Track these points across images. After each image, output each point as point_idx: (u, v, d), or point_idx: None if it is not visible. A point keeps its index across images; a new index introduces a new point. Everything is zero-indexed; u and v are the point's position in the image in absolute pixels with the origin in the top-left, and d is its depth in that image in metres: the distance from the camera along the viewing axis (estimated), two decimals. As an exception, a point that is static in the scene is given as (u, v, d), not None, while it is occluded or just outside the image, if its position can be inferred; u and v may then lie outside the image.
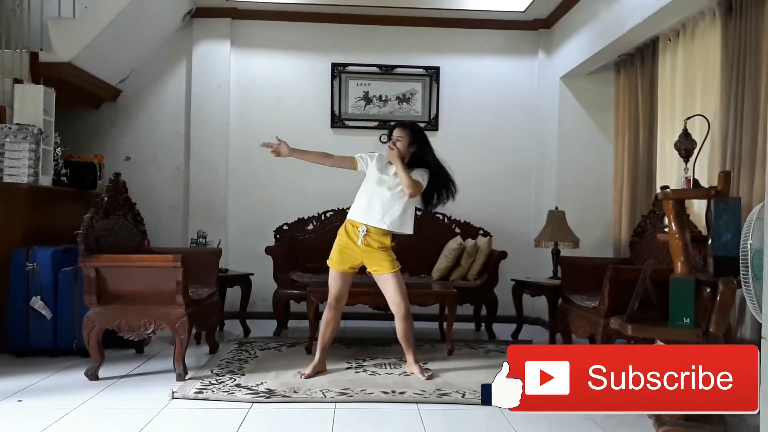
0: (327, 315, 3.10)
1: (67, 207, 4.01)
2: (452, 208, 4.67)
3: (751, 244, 2.21)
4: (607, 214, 4.74)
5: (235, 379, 2.95)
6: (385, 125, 4.99)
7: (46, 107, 3.85)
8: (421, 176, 3.03)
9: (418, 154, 3.07)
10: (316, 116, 5.05)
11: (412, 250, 4.50)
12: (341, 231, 3.09)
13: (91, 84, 4.51)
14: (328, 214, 4.77)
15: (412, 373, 3.08)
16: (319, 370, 3.06)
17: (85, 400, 2.64)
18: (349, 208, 4.72)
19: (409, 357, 3.12)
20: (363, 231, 2.99)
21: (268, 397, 2.67)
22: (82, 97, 4.69)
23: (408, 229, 3.07)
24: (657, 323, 2.63)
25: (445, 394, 2.77)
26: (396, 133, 3.09)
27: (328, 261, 3.11)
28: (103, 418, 2.47)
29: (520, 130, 5.15)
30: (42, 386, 2.86)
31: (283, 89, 5.07)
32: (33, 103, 3.75)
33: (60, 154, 4.17)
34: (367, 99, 5.07)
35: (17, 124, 3.66)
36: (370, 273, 3.10)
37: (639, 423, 2.48)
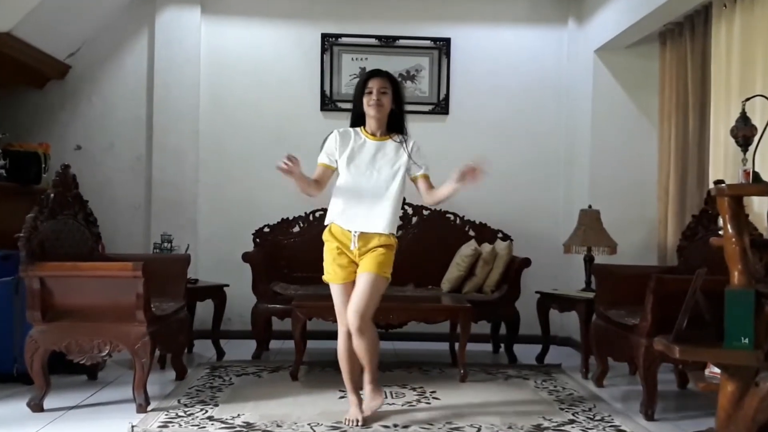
0: (345, 346, 3.11)
1: (6, 205, 4.18)
2: (465, 207, 5.06)
3: (822, 249, 2.31)
4: (651, 214, 5.03)
5: (206, 411, 3.11)
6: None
7: (-19, 86, 3.91)
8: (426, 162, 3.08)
9: (397, 112, 3.10)
10: (303, 97, 5.39)
11: (419, 257, 4.99)
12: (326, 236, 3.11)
13: (34, 58, 4.72)
14: (317, 214, 5.05)
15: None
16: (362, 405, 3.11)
17: (29, 436, 2.70)
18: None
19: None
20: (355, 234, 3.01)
21: (247, 432, 2.79)
22: (24, 74, 4.92)
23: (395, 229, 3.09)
24: (710, 344, 2.67)
25: (456, 429, 2.88)
26: (378, 83, 3.05)
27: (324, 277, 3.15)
28: (49, 458, 2.63)
29: (546, 114, 5.52)
30: (-25, 419, 3.01)
31: (265, 65, 5.41)
32: (-35, 81, 3.88)
33: (-3, 142, 4.26)
34: (364, 76, 4.89)
35: (-54, 105, 3.76)
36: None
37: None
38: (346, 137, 3.05)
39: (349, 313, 2.92)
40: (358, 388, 3.08)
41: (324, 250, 3.05)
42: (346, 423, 2.93)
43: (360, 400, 3.03)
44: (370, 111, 3.00)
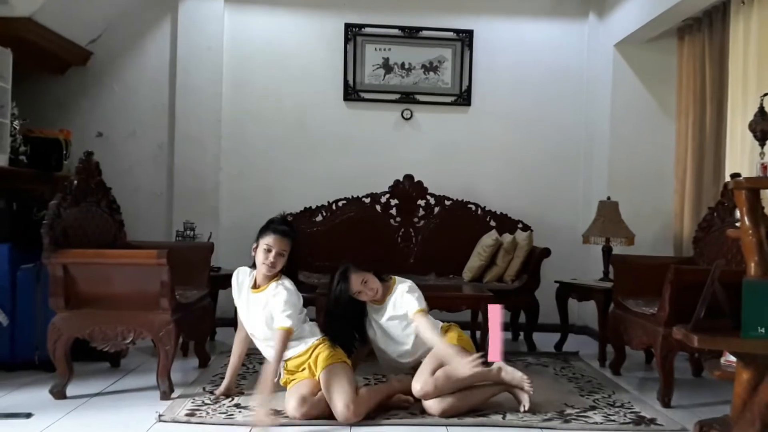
0: None
1: (29, 192, 4.30)
2: (487, 197, 5.26)
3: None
4: (667, 206, 5.20)
5: (233, 398, 3.18)
6: (409, 98, 5.58)
7: (2, 71, 4.21)
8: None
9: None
10: (326, 86, 5.51)
11: (441, 247, 5.19)
12: None
13: (55, 44, 4.83)
14: (339, 203, 5.20)
15: None
16: None
17: (50, 424, 2.82)
18: (364, 197, 5.21)
19: None
20: None
21: (276, 421, 2.91)
22: (45, 61, 5.02)
23: None
24: (727, 333, 2.71)
25: (482, 414, 3.04)
26: (280, 245, 3.18)
27: None
28: (74, 447, 2.61)
29: (566, 106, 5.63)
30: (-3, 406, 3.05)
31: (287, 53, 5.52)
32: (-14, 67, 4.00)
33: (18, 128, 4.48)
34: (387, 67, 5.58)
35: (-34, 90, 3.87)
36: None
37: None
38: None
39: None
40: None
41: None
42: None
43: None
44: (262, 269, 3.12)
